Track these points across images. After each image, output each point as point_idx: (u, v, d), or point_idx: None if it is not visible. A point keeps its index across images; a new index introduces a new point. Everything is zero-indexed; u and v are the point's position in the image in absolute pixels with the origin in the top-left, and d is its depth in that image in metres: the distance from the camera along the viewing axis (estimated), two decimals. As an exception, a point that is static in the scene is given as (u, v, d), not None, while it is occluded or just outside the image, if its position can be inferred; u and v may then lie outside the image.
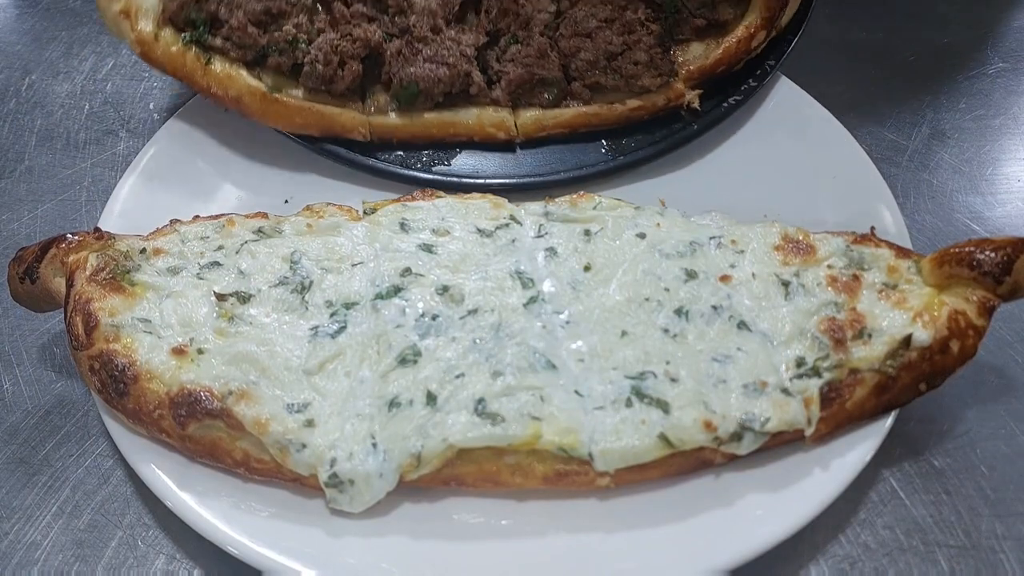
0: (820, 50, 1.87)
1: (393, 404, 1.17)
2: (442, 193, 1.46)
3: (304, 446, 1.14)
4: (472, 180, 1.54)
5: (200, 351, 1.22)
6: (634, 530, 1.15)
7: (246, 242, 1.35)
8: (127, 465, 1.24)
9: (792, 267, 1.30)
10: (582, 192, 1.45)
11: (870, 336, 1.21)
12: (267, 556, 1.11)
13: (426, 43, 1.55)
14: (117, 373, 1.20)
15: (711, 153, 1.61)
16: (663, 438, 1.14)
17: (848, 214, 1.46)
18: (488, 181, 1.54)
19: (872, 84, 1.80)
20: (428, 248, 1.35)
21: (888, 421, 1.21)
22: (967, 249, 1.24)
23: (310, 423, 1.16)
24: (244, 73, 1.54)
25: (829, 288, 1.27)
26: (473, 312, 1.27)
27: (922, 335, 1.20)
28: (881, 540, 1.20)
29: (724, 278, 1.30)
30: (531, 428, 1.14)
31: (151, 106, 1.83)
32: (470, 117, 1.56)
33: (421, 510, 1.18)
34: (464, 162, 1.57)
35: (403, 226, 1.38)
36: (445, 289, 1.29)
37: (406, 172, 1.55)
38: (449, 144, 1.58)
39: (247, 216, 1.41)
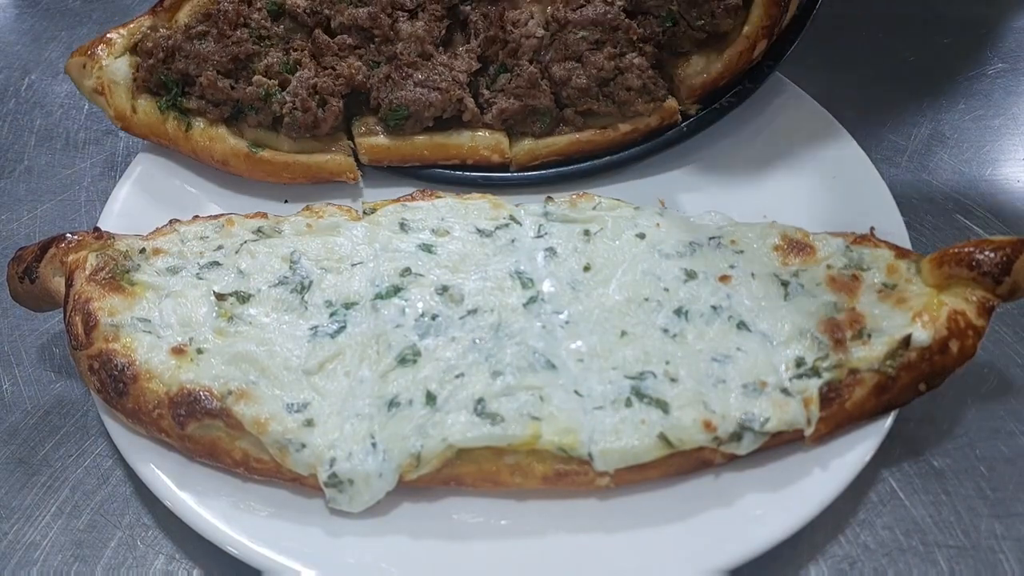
0: (820, 51, 1.87)
1: (393, 404, 1.17)
2: (441, 193, 1.46)
3: (303, 446, 1.14)
4: (473, 174, 1.55)
5: (199, 351, 1.22)
6: (634, 530, 1.15)
7: (245, 242, 1.35)
8: (126, 465, 1.24)
9: (792, 267, 1.30)
10: (582, 192, 1.45)
11: (869, 336, 1.21)
12: (266, 556, 1.11)
13: (416, 68, 1.52)
14: (116, 373, 1.20)
15: (711, 153, 1.61)
16: (663, 438, 1.14)
17: (848, 214, 1.47)
18: (488, 175, 1.54)
19: (872, 84, 1.81)
20: (428, 248, 1.35)
21: (888, 421, 1.21)
22: (966, 249, 1.24)
23: (309, 423, 1.16)
24: (226, 132, 1.51)
25: (829, 288, 1.27)
26: (473, 312, 1.26)
27: (921, 335, 1.20)
28: (880, 540, 1.20)
29: (724, 278, 1.30)
30: (531, 428, 1.14)
31: (151, 106, 1.83)
32: (463, 140, 1.53)
33: (421, 510, 1.17)
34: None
35: (403, 226, 1.38)
36: (445, 289, 1.29)
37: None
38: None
39: (246, 216, 1.41)
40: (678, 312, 1.26)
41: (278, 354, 1.22)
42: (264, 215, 1.42)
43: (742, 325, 1.24)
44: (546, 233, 1.38)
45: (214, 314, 1.26)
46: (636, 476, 1.16)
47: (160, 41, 1.53)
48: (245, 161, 1.51)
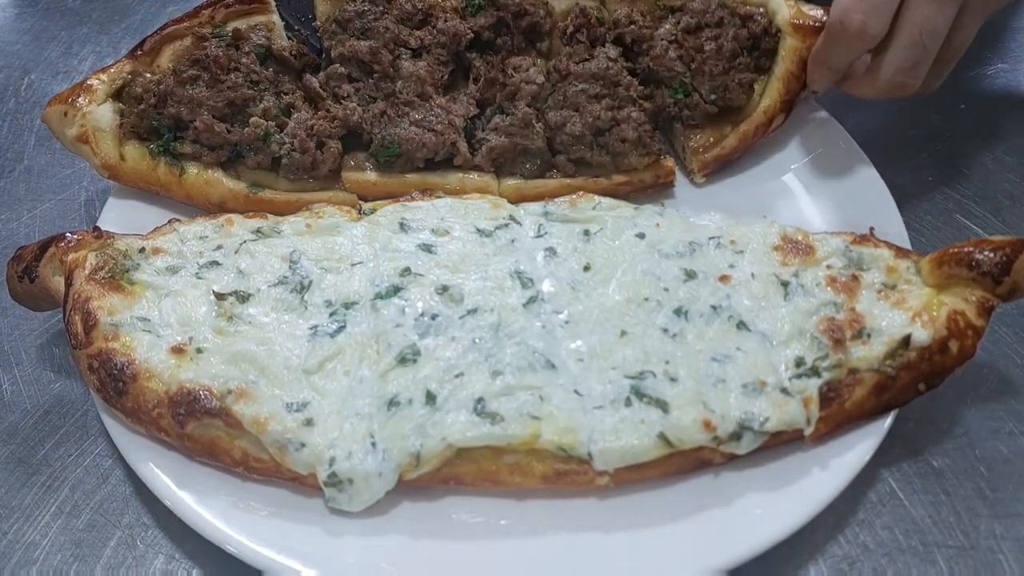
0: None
1: (392, 403, 1.17)
2: (441, 193, 1.46)
3: (303, 445, 1.14)
4: None
5: (199, 350, 1.22)
6: (633, 529, 1.15)
7: (245, 242, 1.35)
8: (126, 464, 1.24)
9: (791, 267, 1.30)
10: (582, 192, 1.45)
11: (869, 336, 1.21)
12: (266, 555, 1.11)
13: (413, 107, 1.50)
14: (116, 372, 1.20)
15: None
16: (662, 437, 1.14)
17: (847, 214, 1.47)
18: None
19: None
20: (427, 248, 1.35)
21: (887, 421, 1.21)
22: (966, 249, 1.24)
23: (309, 422, 1.16)
24: (222, 176, 1.48)
25: (828, 288, 1.27)
26: (472, 312, 1.26)
27: (921, 335, 1.20)
28: (880, 540, 1.20)
29: (723, 278, 1.30)
30: (530, 427, 1.14)
31: (151, 106, 1.83)
32: (452, 181, 1.49)
33: (420, 509, 1.17)
34: None
35: (402, 226, 1.38)
36: (444, 289, 1.29)
37: None
38: None
39: (246, 216, 1.41)
40: (678, 312, 1.26)
41: (278, 353, 1.22)
42: (264, 215, 1.42)
43: (742, 325, 1.24)
44: (546, 233, 1.38)
45: (214, 313, 1.26)
46: (636, 475, 1.16)
47: (151, 86, 1.49)
48: (245, 202, 1.47)
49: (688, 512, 1.16)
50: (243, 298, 1.29)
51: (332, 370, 1.22)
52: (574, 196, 1.43)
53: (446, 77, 1.57)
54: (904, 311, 1.23)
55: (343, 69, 1.56)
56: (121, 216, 1.49)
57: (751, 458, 1.18)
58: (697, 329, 1.24)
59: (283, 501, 1.18)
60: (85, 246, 1.32)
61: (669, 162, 1.51)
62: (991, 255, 1.22)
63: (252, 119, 1.48)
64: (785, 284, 1.28)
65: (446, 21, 1.58)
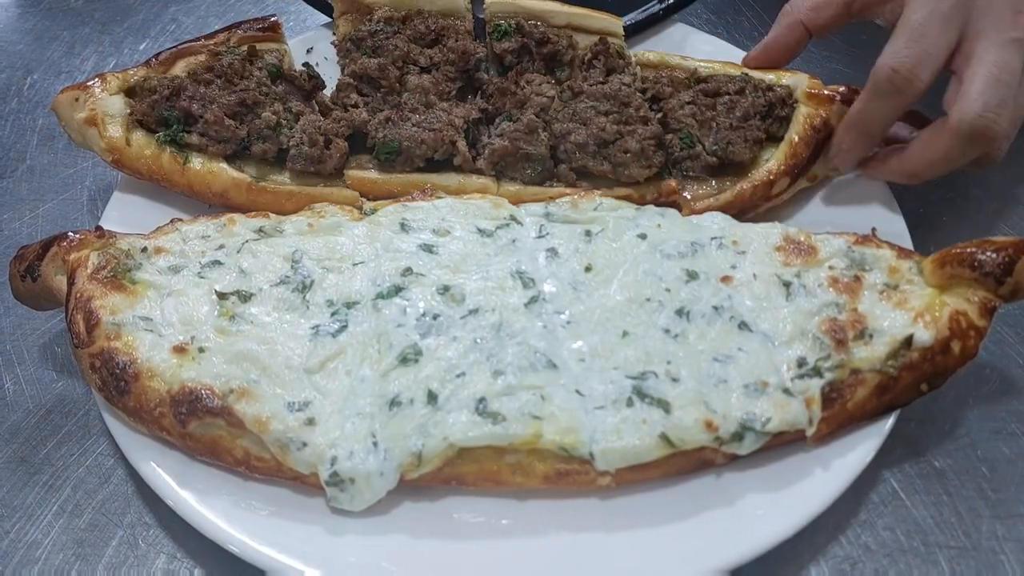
0: (821, 50, 1.87)
1: (394, 403, 1.17)
2: (442, 193, 1.46)
3: (305, 444, 1.14)
4: None
5: (201, 349, 1.22)
6: (635, 530, 1.15)
7: (247, 241, 1.35)
8: (128, 464, 1.24)
9: (793, 268, 1.30)
10: (583, 192, 1.45)
11: (871, 336, 1.21)
12: (267, 554, 1.11)
13: (416, 112, 1.52)
14: (118, 371, 1.20)
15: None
16: (664, 438, 1.14)
17: (849, 215, 1.47)
18: None
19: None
20: (429, 248, 1.35)
21: (889, 422, 1.21)
22: (968, 250, 1.24)
23: (311, 422, 1.16)
24: (226, 167, 1.49)
25: (830, 289, 1.27)
26: (474, 312, 1.27)
27: (923, 335, 1.20)
28: (882, 541, 1.20)
29: (725, 279, 1.30)
30: (532, 427, 1.14)
31: (153, 106, 1.83)
32: (452, 181, 1.50)
33: (422, 509, 1.18)
34: None
35: (404, 226, 1.38)
36: (446, 289, 1.29)
37: None
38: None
39: (248, 215, 1.41)
40: (679, 312, 1.26)
41: (279, 353, 1.22)
42: (266, 214, 1.42)
43: (744, 325, 1.24)
44: (547, 233, 1.38)
45: (216, 313, 1.26)
46: (637, 476, 1.16)
47: (165, 81, 1.54)
48: (247, 192, 1.48)
49: (689, 512, 1.16)
50: (245, 297, 1.29)
51: (334, 369, 1.22)
52: (576, 196, 1.43)
53: (453, 93, 1.60)
54: (906, 311, 1.23)
55: (352, 81, 1.60)
56: (123, 215, 1.49)
57: (753, 458, 1.18)
58: (699, 329, 1.24)
59: (285, 500, 1.18)
60: (87, 245, 1.32)
61: (672, 183, 1.50)
62: (993, 255, 1.22)
63: (264, 114, 1.51)
64: (787, 284, 1.28)
65: (457, 40, 1.63)
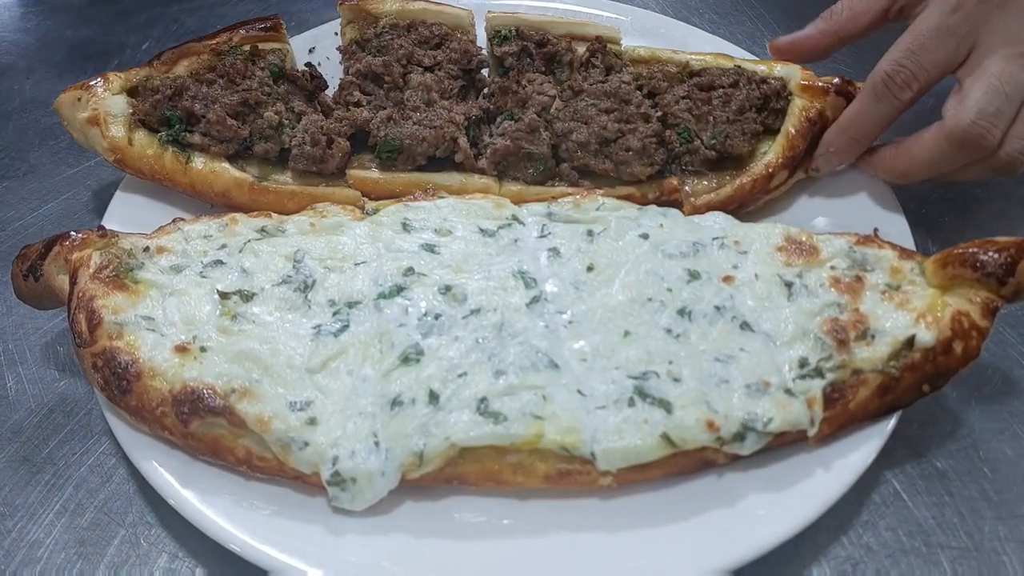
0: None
1: (395, 403, 1.17)
2: (444, 193, 1.46)
3: (306, 444, 1.14)
4: None
5: (203, 349, 1.22)
6: (636, 530, 1.15)
7: (249, 241, 1.35)
8: (130, 463, 1.24)
9: (795, 268, 1.30)
10: (585, 192, 1.45)
11: (873, 337, 1.21)
12: (269, 554, 1.11)
13: (417, 111, 1.53)
14: (120, 370, 1.20)
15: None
16: (665, 438, 1.14)
17: (851, 215, 1.47)
18: None
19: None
20: (430, 248, 1.35)
21: (891, 422, 1.20)
22: (971, 250, 1.23)
23: (312, 421, 1.16)
24: (228, 166, 1.50)
25: (832, 289, 1.27)
26: (476, 311, 1.27)
27: (925, 336, 1.20)
28: (883, 541, 1.20)
29: (727, 279, 1.30)
30: (533, 427, 1.14)
31: (155, 105, 1.83)
32: (453, 181, 1.50)
33: (423, 509, 1.18)
34: None
35: (405, 226, 1.38)
36: (447, 289, 1.29)
37: None
38: None
39: (250, 215, 1.42)
40: (681, 312, 1.26)
41: (281, 352, 1.22)
42: (268, 214, 1.42)
43: (745, 325, 1.24)
44: (549, 233, 1.38)
45: (217, 312, 1.26)
46: (638, 476, 1.16)
47: (167, 81, 1.55)
48: (249, 191, 1.49)
49: (691, 512, 1.16)
50: (247, 297, 1.29)
51: (335, 369, 1.22)
52: (578, 196, 1.43)
53: (455, 91, 1.61)
54: (908, 312, 1.23)
55: (356, 79, 1.60)
56: (125, 215, 1.50)
57: (754, 459, 1.18)
58: (700, 329, 1.24)
59: (286, 500, 1.18)
60: (90, 245, 1.32)
61: (673, 182, 1.50)
62: (996, 256, 1.22)
63: (266, 114, 1.52)
64: (789, 285, 1.28)
65: (459, 42, 1.65)
